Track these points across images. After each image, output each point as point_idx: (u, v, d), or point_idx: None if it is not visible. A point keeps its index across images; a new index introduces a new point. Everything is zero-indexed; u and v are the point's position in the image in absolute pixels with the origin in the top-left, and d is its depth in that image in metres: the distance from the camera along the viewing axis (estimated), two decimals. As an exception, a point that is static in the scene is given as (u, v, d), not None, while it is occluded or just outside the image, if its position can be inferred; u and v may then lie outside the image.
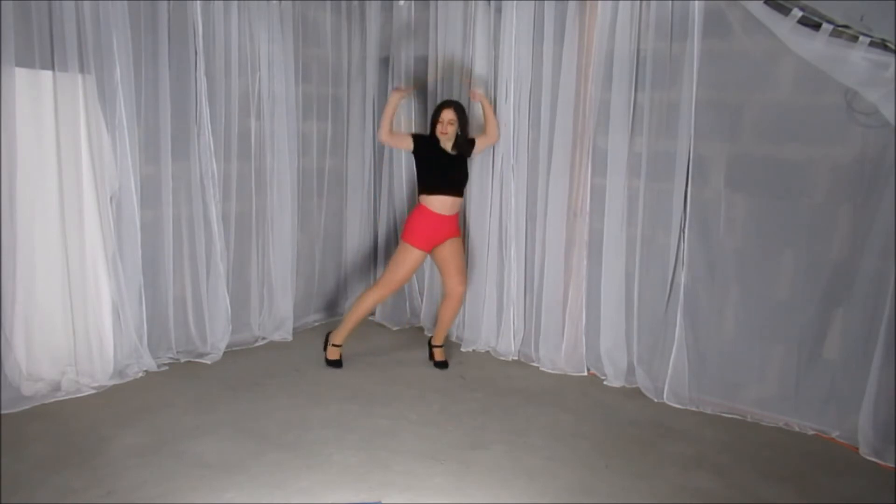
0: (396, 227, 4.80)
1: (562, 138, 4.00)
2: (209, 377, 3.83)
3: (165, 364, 3.93)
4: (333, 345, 4.10)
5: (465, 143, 4.02)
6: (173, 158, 3.87)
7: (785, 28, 3.18)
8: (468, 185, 4.30)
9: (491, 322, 4.42)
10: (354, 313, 4.03)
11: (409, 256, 3.94)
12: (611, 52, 3.78)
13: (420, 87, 4.51)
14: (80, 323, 3.56)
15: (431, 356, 4.24)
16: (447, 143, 3.98)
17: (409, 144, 3.99)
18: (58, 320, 3.56)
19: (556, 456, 3.07)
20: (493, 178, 4.31)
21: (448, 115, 3.92)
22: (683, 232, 3.64)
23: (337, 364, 4.07)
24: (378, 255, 5.02)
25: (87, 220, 3.55)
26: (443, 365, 4.17)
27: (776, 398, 3.49)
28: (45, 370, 3.51)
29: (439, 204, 3.92)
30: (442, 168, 3.96)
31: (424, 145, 3.99)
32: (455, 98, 4.25)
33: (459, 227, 4.10)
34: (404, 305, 4.92)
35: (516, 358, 4.31)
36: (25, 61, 3.25)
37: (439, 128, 3.94)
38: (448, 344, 4.52)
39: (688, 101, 3.55)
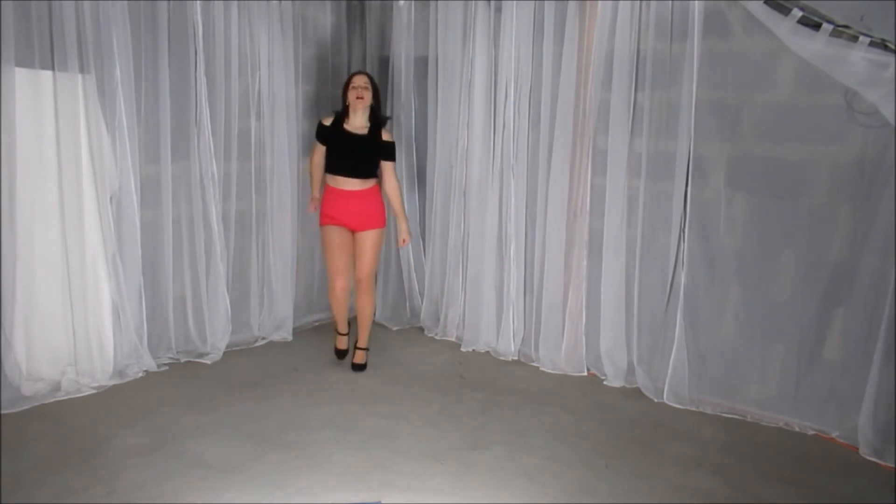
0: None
1: (562, 138, 4.00)
2: (209, 377, 3.83)
3: (165, 364, 3.93)
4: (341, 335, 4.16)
5: (379, 118, 3.92)
6: (173, 158, 3.87)
7: (785, 28, 3.18)
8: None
9: (491, 322, 4.42)
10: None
11: (322, 237, 3.99)
12: (611, 52, 3.78)
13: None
14: (80, 323, 3.56)
15: (352, 355, 4.13)
16: (362, 115, 3.84)
17: (320, 147, 3.95)
18: (58, 320, 3.56)
19: (556, 456, 3.07)
20: (492, 178, 4.31)
21: (361, 80, 3.83)
22: (683, 232, 3.64)
23: (342, 354, 4.15)
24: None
25: (87, 220, 3.55)
26: (360, 367, 4.06)
27: (776, 398, 3.49)
28: (45, 370, 3.51)
29: (339, 181, 3.86)
30: (344, 151, 3.85)
31: (329, 133, 3.89)
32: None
33: (381, 215, 3.95)
34: (404, 305, 4.92)
35: (516, 358, 4.31)
36: (25, 61, 3.25)
37: (353, 94, 3.79)
38: (447, 345, 4.53)
39: (688, 101, 3.55)
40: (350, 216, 3.87)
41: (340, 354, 4.14)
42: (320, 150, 3.96)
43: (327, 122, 3.92)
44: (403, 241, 4.07)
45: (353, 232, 3.91)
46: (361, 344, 4.09)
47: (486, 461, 3.01)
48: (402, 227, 4.03)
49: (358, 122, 3.86)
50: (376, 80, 4.02)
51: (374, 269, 4.03)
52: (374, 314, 4.17)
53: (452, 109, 4.46)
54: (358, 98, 3.77)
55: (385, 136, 3.90)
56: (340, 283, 3.93)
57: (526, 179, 4.20)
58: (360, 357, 4.08)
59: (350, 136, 3.84)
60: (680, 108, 3.58)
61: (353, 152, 3.84)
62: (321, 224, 3.97)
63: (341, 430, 3.25)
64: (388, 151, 3.93)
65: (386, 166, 3.93)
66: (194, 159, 3.98)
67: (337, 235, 3.89)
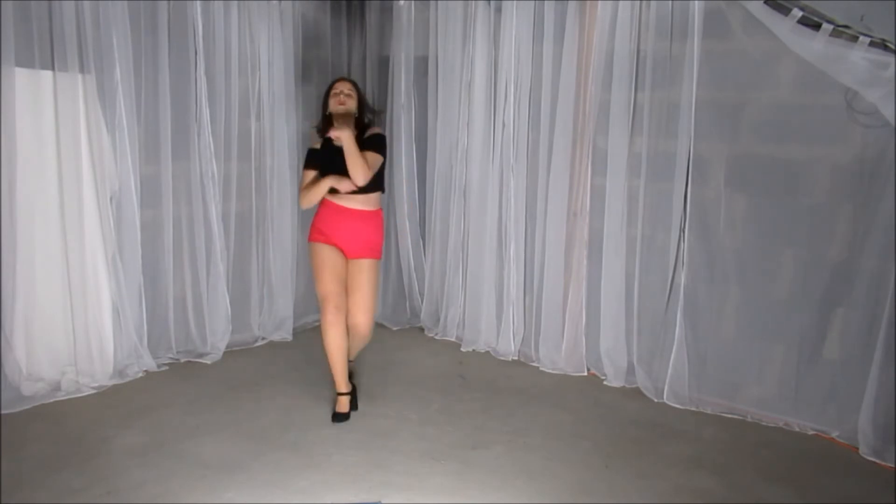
0: (396, 226, 4.80)
1: (562, 138, 4.00)
2: (209, 377, 3.83)
3: (165, 364, 3.93)
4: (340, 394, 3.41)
5: (364, 123, 3.40)
6: (173, 158, 3.87)
7: (785, 28, 3.18)
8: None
9: (491, 322, 4.42)
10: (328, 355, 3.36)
11: (311, 256, 3.40)
12: (611, 52, 3.78)
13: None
14: (80, 323, 3.56)
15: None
16: (347, 126, 3.24)
17: (312, 173, 3.36)
18: (58, 320, 3.56)
19: (556, 456, 3.07)
20: (492, 178, 4.31)
21: (344, 86, 3.37)
22: (683, 232, 3.64)
23: (340, 417, 3.37)
24: (378, 255, 5.01)
25: (87, 220, 3.55)
26: (340, 417, 3.35)
27: (776, 398, 3.49)
28: (45, 370, 3.51)
29: (339, 196, 3.31)
30: (336, 168, 3.25)
31: (317, 157, 3.37)
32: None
33: (377, 245, 3.41)
34: (404, 305, 4.92)
35: (516, 358, 4.31)
36: (25, 61, 3.25)
37: (335, 100, 3.32)
38: (447, 345, 4.52)
39: (688, 101, 3.55)
40: (344, 237, 3.33)
41: (338, 417, 3.36)
42: (311, 176, 3.35)
43: (317, 145, 3.42)
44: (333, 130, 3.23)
45: (345, 257, 3.38)
46: (339, 388, 3.39)
47: (486, 461, 3.01)
48: (345, 131, 3.19)
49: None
50: (362, 84, 3.70)
51: (372, 311, 3.37)
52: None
53: (452, 109, 4.46)
54: (339, 104, 3.31)
55: (371, 131, 3.37)
56: (331, 306, 3.26)
57: (526, 179, 4.20)
58: (342, 405, 3.39)
59: (338, 151, 3.23)
60: (680, 108, 3.58)
61: (331, 162, 3.26)
62: (310, 240, 3.40)
63: (341, 430, 3.25)
64: (368, 142, 3.28)
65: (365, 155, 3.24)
66: (194, 159, 3.98)
67: (329, 254, 3.33)
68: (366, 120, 3.47)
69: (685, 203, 3.62)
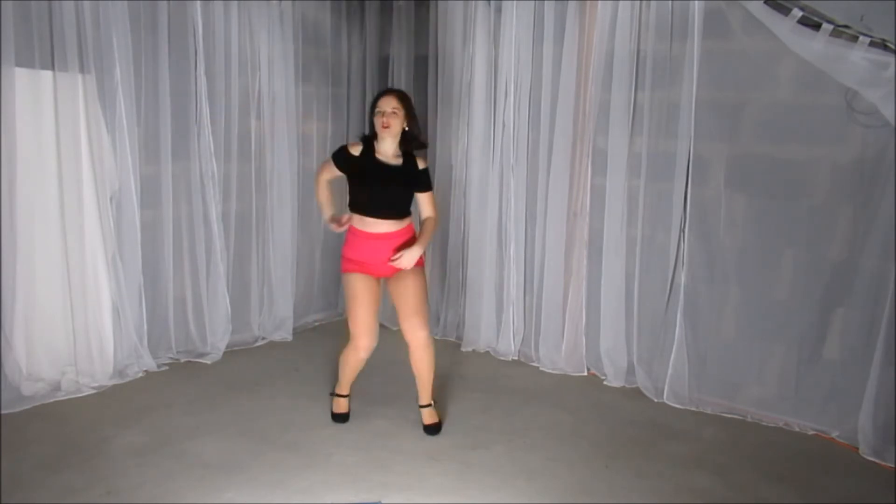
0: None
1: (562, 138, 4.00)
2: (209, 377, 3.83)
3: (165, 364, 3.93)
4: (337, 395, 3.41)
5: (413, 142, 3.19)
6: (173, 158, 3.88)
7: (785, 28, 3.18)
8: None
9: (491, 322, 4.42)
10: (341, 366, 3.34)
11: (345, 286, 3.21)
12: (611, 52, 3.78)
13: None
14: (80, 323, 3.56)
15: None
16: (392, 142, 3.12)
17: (334, 171, 3.20)
18: (58, 320, 3.56)
19: (556, 456, 3.07)
20: (492, 178, 4.31)
21: (389, 102, 3.08)
22: (683, 232, 3.64)
23: (342, 418, 3.39)
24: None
25: (87, 220, 3.56)
26: (433, 429, 3.27)
27: (776, 398, 3.49)
28: (45, 370, 3.51)
29: (367, 223, 3.14)
30: (375, 186, 3.12)
31: (353, 162, 3.14)
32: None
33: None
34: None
35: (516, 358, 4.31)
36: (25, 61, 3.26)
37: (379, 121, 3.08)
38: (447, 345, 4.52)
39: (688, 101, 3.55)
40: (380, 264, 3.15)
41: (339, 418, 3.37)
42: (331, 172, 3.21)
43: (355, 150, 3.14)
44: (399, 259, 3.09)
45: (379, 279, 3.22)
46: (424, 401, 3.30)
47: (486, 461, 3.01)
48: (413, 250, 3.09)
49: (389, 151, 3.14)
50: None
51: (424, 307, 3.17)
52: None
53: (452, 109, 4.47)
54: (384, 127, 3.07)
55: (420, 164, 3.21)
56: (365, 343, 3.13)
57: (526, 179, 4.20)
58: (428, 416, 3.30)
59: (382, 167, 3.11)
60: (680, 108, 3.58)
61: (385, 189, 3.10)
62: (343, 271, 3.21)
63: (341, 430, 3.25)
64: (424, 180, 3.20)
65: (423, 199, 3.22)
66: (194, 159, 3.98)
67: (364, 284, 3.14)
68: (414, 139, 3.20)
69: (685, 203, 3.62)
